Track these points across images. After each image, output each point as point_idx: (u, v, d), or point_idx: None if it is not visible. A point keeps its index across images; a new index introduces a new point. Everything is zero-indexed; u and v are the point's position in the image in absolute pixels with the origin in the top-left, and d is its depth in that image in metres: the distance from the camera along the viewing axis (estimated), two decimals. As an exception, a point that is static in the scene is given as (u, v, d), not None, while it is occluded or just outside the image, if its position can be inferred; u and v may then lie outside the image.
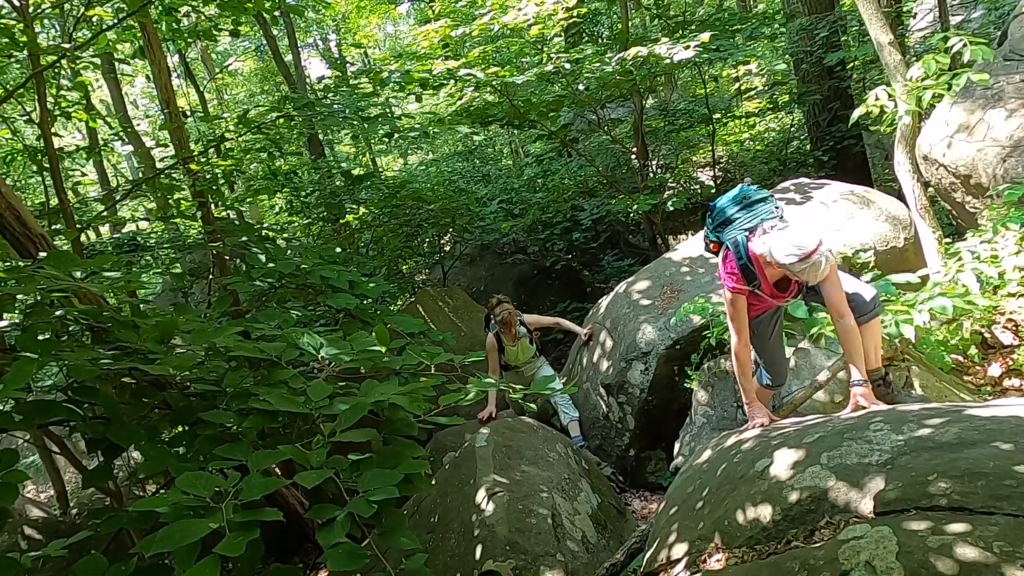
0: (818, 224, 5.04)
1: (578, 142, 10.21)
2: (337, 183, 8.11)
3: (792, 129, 10.12)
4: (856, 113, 4.50)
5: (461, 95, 7.16)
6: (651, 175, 8.71)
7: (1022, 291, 3.57)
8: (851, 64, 8.79)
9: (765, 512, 2.16)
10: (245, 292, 4.11)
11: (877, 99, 4.35)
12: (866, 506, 1.91)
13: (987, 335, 3.69)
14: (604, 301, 5.61)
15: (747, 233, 2.89)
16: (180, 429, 2.62)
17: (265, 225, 6.06)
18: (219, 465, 1.94)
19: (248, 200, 7.39)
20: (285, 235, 6.25)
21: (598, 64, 6.71)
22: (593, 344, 5.33)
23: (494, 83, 6.77)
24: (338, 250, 5.05)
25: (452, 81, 6.58)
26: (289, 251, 4.25)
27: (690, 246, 5.52)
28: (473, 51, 7.24)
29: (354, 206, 7.82)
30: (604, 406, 5.00)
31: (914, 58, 6.75)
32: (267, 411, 2.12)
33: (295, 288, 4.16)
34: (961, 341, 3.58)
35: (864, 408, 2.70)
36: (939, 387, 3.35)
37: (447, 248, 9.94)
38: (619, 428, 4.87)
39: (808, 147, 9.15)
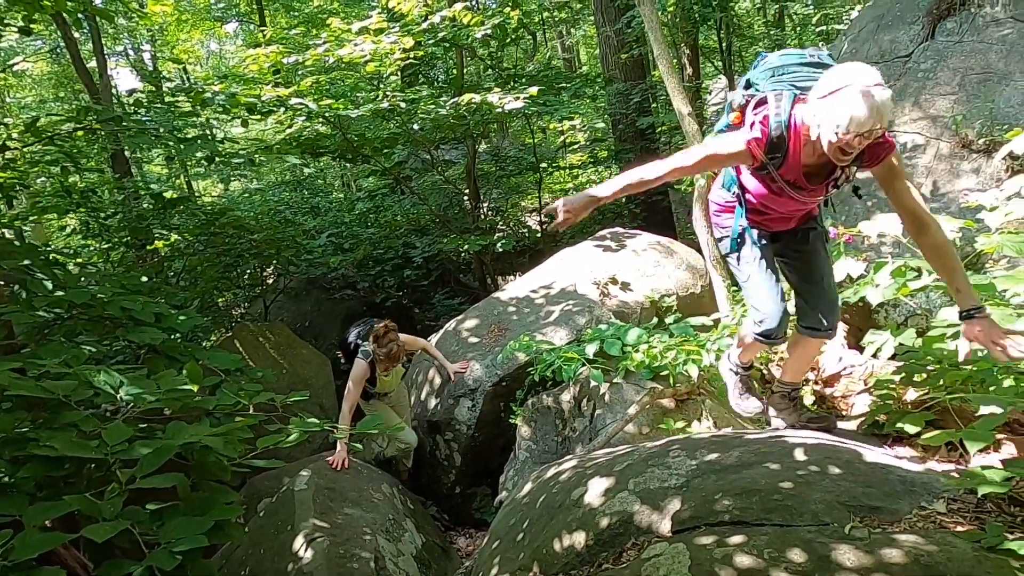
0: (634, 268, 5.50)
1: (412, 180, 10.32)
2: (145, 206, 7.41)
3: (610, 182, 10.99)
4: (662, 173, 5.04)
5: (291, 123, 6.96)
6: (482, 217, 9.03)
7: (790, 333, 4.19)
8: (660, 128, 9.83)
9: (579, 538, 2.30)
10: (23, 323, 3.58)
11: (679, 162, 4.92)
12: (666, 526, 2.12)
13: (765, 372, 4.26)
14: (434, 339, 5.65)
15: (798, 92, 2.18)
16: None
17: (52, 247, 5.34)
18: (-17, 523, 1.67)
19: (32, 218, 6.50)
20: (78, 260, 5.55)
21: (433, 106, 6.89)
22: (421, 381, 5.33)
23: (327, 115, 6.67)
24: (144, 279, 4.58)
25: (282, 109, 6.39)
26: (83, 278, 3.79)
27: (518, 286, 5.76)
28: (306, 80, 7.10)
29: (164, 232, 7.18)
30: (430, 444, 4.99)
31: (709, 128, 7.73)
32: (50, 458, 1.87)
33: (88, 320, 3.71)
34: (745, 377, 4.10)
35: (989, 344, 2.02)
36: (728, 418, 3.78)
37: (270, 281, 9.44)
38: (445, 466, 4.88)
39: (623, 200, 10.02)
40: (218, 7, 15.64)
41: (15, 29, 5.63)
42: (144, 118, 5.41)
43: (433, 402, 5.04)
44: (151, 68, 15.85)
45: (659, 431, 3.53)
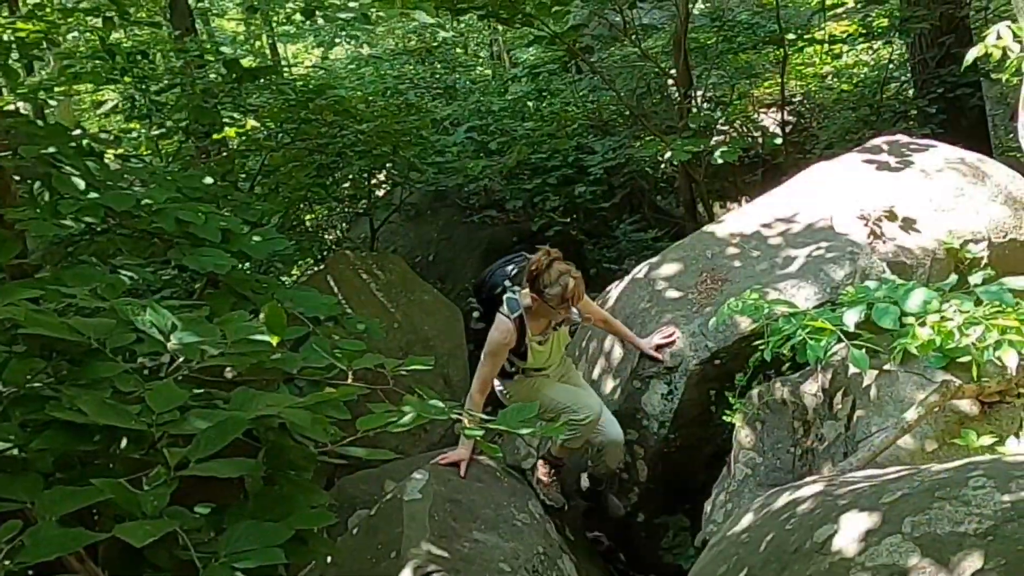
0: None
1: (593, 53, 10.28)
2: (213, 76, 7.91)
3: (891, 67, 10.68)
4: (971, 54, 4.81)
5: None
6: (695, 111, 8.82)
7: None
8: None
9: (825, 604, 2.31)
10: (42, 236, 3.89)
11: (1000, 38, 4.63)
12: (958, 593, 2.10)
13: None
14: (614, 290, 5.70)
15: None
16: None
17: (85, 131, 5.76)
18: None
19: (60, 89, 7.02)
20: (119, 150, 5.99)
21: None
22: (592, 353, 5.37)
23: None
24: (208, 180, 4.81)
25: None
26: (125, 175, 4.07)
27: (743, 218, 5.73)
28: None
29: (238, 116, 7.66)
30: (603, 446, 5.06)
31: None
32: (76, 424, 2.02)
33: (129, 236, 3.96)
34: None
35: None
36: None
37: (380, 193, 9.84)
38: (624, 479, 4.95)
39: (911, 93, 9.78)
40: None
41: None
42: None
43: (610, 385, 5.10)
44: None
45: (953, 448, 3.55)
